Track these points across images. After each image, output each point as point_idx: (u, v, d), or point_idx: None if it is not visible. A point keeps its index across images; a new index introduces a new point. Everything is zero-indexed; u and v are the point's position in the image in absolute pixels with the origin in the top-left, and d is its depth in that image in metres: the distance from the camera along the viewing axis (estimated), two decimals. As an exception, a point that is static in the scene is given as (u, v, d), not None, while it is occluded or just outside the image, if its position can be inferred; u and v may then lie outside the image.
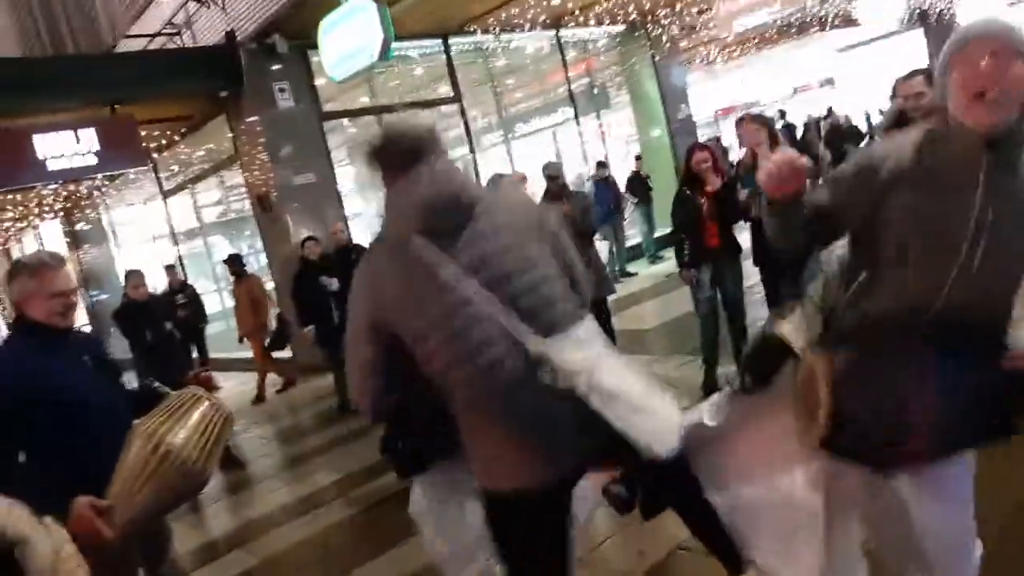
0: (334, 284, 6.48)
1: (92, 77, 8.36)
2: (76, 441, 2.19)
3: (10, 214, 13.34)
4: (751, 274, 4.88)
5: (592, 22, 11.52)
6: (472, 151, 10.65)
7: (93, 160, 8.06)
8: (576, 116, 12.24)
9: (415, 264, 1.71)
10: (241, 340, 8.65)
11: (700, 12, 12.04)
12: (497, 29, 10.46)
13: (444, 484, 2.05)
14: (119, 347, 6.89)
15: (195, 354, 8.41)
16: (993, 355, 1.61)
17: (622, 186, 11.33)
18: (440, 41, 10.28)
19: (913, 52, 16.40)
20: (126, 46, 11.54)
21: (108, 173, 9.85)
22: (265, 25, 8.56)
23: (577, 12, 10.97)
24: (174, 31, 10.27)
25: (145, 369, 6.22)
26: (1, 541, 1.43)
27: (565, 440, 1.72)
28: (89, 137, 7.98)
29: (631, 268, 10.90)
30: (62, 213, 14.20)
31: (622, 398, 1.69)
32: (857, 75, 19.35)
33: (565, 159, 11.01)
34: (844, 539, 1.84)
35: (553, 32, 11.58)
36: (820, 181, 1.85)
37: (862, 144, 13.49)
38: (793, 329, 1.78)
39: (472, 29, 10.29)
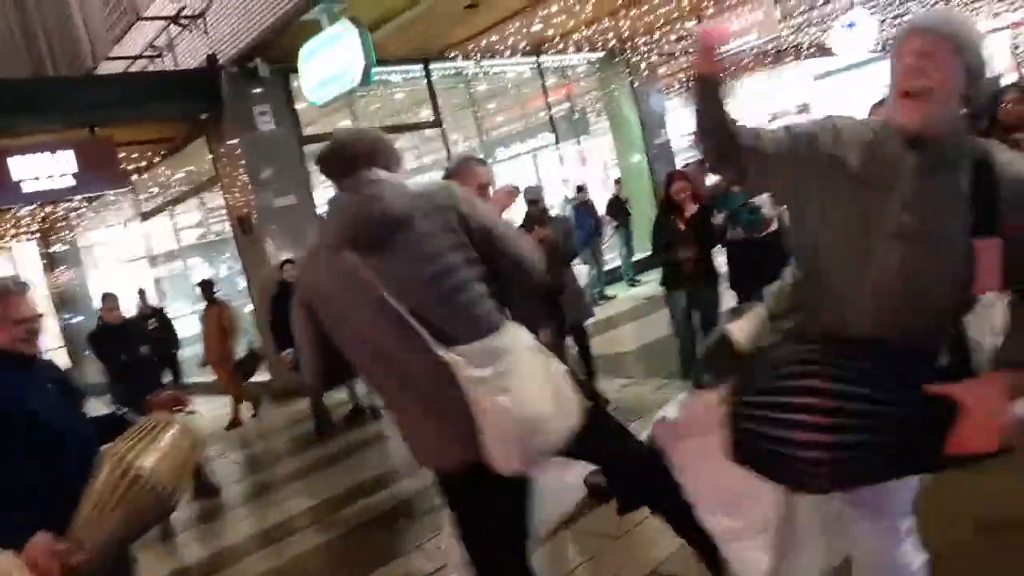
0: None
1: (72, 99, 8.35)
2: (45, 465, 2.15)
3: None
4: (728, 297, 4.95)
5: (572, 49, 11.70)
6: (453, 175, 10.68)
7: (70, 182, 8.00)
8: (556, 141, 12.38)
9: (340, 272, 1.84)
10: (204, 365, 8.61)
11: (678, 39, 12.24)
12: (478, 55, 10.58)
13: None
14: (94, 370, 6.80)
15: (169, 378, 8.30)
16: (919, 380, 1.41)
17: (601, 210, 11.43)
18: (421, 66, 10.38)
19: (888, 79, 16.71)
20: (107, 68, 11.53)
21: (85, 195, 9.78)
22: (247, 49, 8.60)
23: (557, 39, 11.13)
24: (155, 53, 10.27)
25: (120, 392, 6.14)
26: None
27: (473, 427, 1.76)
28: (67, 159, 7.93)
29: (609, 291, 10.97)
30: (38, 234, 14.04)
31: (524, 416, 1.75)
32: (833, 101, 19.71)
33: (545, 183, 11.08)
34: (805, 514, 1.74)
35: (533, 58, 11.75)
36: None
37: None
38: (740, 331, 1.78)
39: (453, 55, 10.40)
